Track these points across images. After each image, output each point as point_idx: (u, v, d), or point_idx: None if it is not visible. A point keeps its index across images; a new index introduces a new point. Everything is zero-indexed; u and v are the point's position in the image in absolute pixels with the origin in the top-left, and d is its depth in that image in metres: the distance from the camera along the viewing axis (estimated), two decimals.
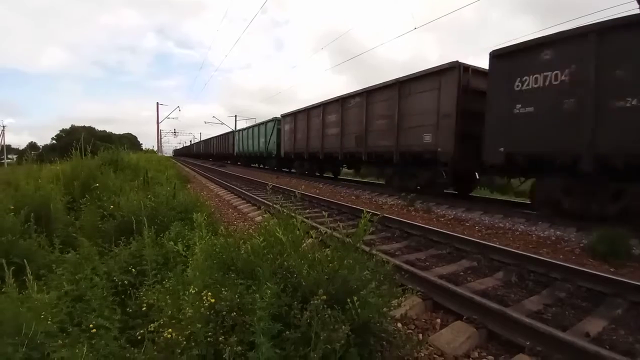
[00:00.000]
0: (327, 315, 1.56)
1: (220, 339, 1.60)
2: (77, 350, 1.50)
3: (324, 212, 3.80)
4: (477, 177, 9.63)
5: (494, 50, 7.58)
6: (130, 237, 2.87)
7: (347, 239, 2.05)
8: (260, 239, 1.98)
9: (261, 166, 26.98)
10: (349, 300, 1.64)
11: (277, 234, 1.88)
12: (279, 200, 2.82)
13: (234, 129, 36.70)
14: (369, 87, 12.16)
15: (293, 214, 2.28)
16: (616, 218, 5.93)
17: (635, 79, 5.44)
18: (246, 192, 9.93)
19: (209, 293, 1.79)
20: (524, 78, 6.97)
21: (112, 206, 3.73)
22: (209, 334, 1.62)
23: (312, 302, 1.59)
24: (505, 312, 2.64)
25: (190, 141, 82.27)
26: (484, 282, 3.68)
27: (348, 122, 13.38)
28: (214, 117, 58.28)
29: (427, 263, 4.31)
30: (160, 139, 47.05)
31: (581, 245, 5.26)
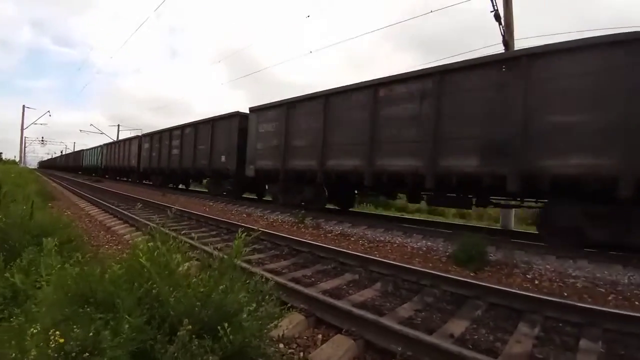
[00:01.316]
0: (194, 347, 1.45)
1: None
2: None
3: (196, 231, 3.61)
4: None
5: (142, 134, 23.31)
6: None
7: (225, 257, 1.96)
8: (118, 267, 1.77)
9: (94, 174, 37.46)
10: (219, 327, 1.55)
11: (140, 259, 1.70)
12: (156, 219, 2.58)
13: (115, 139, 40.74)
14: (138, 135, 25.67)
15: (167, 233, 2.11)
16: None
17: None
18: (123, 211, 8.84)
19: (57, 332, 1.54)
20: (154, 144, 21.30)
21: None
22: None
23: (178, 333, 1.47)
24: (379, 321, 2.79)
25: (62, 152, 72.46)
26: (364, 294, 3.87)
27: (124, 152, 26.85)
28: (91, 125, 53.06)
29: (313, 279, 4.39)
30: (25, 147, 41.99)
31: (447, 253, 5.92)
